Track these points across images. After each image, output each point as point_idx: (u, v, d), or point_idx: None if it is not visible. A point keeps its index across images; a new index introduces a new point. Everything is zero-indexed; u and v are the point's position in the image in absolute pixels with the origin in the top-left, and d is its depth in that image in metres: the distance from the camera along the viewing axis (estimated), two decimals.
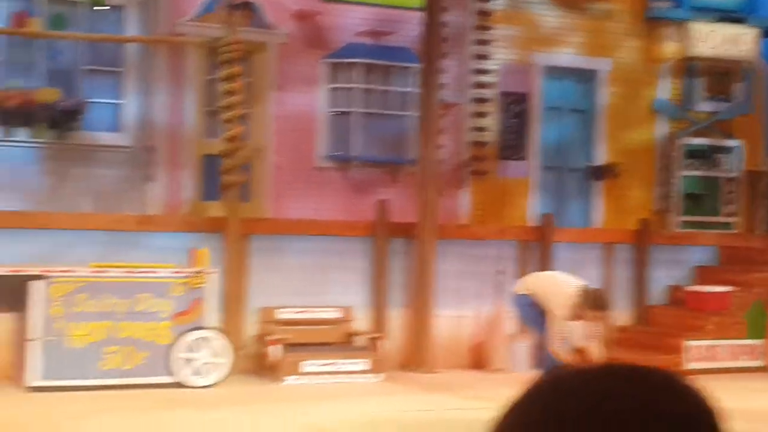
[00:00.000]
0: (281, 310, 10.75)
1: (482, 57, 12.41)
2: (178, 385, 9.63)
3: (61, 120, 10.79)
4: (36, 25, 10.65)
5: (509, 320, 10.80)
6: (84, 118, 10.92)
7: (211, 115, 11.32)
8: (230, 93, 10.50)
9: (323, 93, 11.83)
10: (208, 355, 9.80)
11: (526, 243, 11.96)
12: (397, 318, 11.32)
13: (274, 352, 10.19)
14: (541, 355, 8.97)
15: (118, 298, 9.57)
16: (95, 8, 10.92)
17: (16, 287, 9.40)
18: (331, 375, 10.27)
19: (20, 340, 9.51)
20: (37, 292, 9.28)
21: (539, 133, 12.84)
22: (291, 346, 10.25)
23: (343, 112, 11.84)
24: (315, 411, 8.69)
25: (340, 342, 10.88)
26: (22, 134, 10.74)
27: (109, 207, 10.90)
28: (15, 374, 9.56)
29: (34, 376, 9.21)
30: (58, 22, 10.86)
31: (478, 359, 11.60)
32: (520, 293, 8.95)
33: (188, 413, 8.50)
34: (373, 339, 10.82)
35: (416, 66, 11.72)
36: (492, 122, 12.49)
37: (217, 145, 10.85)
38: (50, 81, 10.86)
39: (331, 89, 11.84)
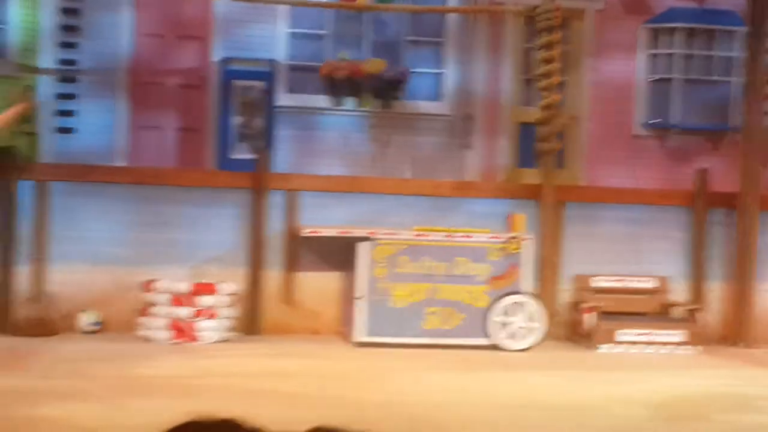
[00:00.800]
0: (596, 278, 10.74)
1: None
2: (494, 347, 9.86)
3: (385, 89, 11.28)
4: None
5: None
6: (406, 87, 11.36)
7: (527, 83, 11.43)
8: (547, 61, 10.55)
9: (642, 59, 11.60)
10: (522, 319, 9.96)
11: None
12: (716, 290, 11.00)
13: (589, 319, 10.21)
14: None
15: (438, 261, 9.91)
16: None
17: (345, 248, 10.00)
18: (646, 345, 10.15)
19: (348, 298, 10.11)
20: (363, 253, 9.80)
21: None
22: (605, 315, 10.23)
23: (662, 79, 11.56)
24: (632, 380, 8.64)
25: (655, 312, 10.72)
26: (349, 103, 11.33)
27: (428, 173, 11.29)
28: (344, 330, 10.18)
29: (360, 333, 9.76)
30: None
31: None
32: None
33: (504, 375, 8.71)
34: (691, 311, 10.57)
35: (742, 29, 11.24)
36: None
37: (533, 113, 10.97)
38: (376, 52, 11.38)
39: (650, 55, 11.59)
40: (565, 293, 10.77)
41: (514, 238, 10.01)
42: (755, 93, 10.81)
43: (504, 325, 9.93)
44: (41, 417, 6.52)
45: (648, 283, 10.85)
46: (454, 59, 11.54)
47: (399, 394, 7.71)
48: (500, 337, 9.91)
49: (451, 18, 11.55)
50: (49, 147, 10.62)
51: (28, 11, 11.03)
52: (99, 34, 11.07)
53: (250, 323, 10.22)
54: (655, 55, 11.58)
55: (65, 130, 10.76)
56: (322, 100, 11.30)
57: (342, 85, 11.26)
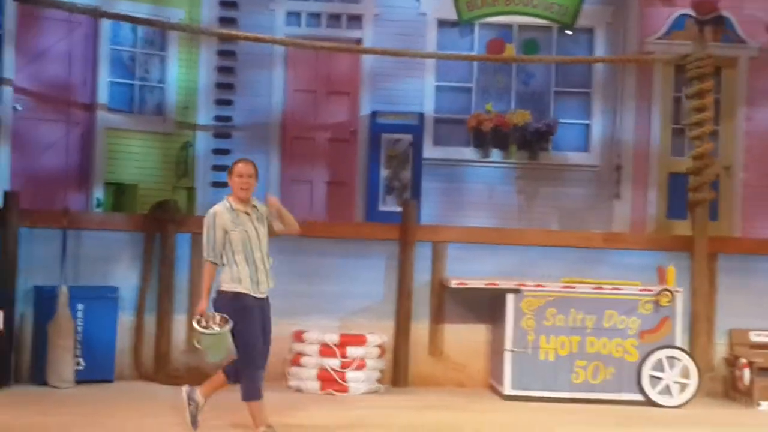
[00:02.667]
0: (754, 332, 10.39)
1: None
2: (645, 402, 9.64)
3: (531, 141, 11.29)
4: (510, 51, 11.26)
5: None
6: (553, 138, 11.34)
7: (678, 132, 11.25)
8: (699, 110, 10.35)
9: None
10: (675, 374, 9.71)
11: None
12: None
13: (747, 375, 9.87)
14: None
15: (586, 313, 9.78)
16: (565, 32, 11.31)
17: (492, 300, 9.98)
18: None
19: (495, 350, 10.07)
20: (510, 305, 9.76)
21: None
22: (765, 371, 9.87)
23: None
24: None
25: None
26: (495, 155, 11.38)
27: (576, 224, 11.18)
28: (492, 382, 10.13)
29: (507, 385, 9.69)
30: (530, 47, 11.39)
31: None
32: None
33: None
34: None
35: None
36: None
37: (683, 163, 10.77)
38: (522, 104, 11.42)
39: None
40: (719, 348, 10.45)
41: (665, 290, 9.80)
42: None
43: (655, 379, 9.70)
44: None
45: None
46: (601, 109, 11.48)
47: None
48: (651, 392, 9.68)
49: (599, 68, 11.50)
50: (204, 200, 11.00)
51: (186, 70, 11.52)
52: (252, 91, 11.46)
53: (398, 374, 10.27)
54: None
55: (220, 185, 11.12)
56: (468, 152, 11.39)
57: (488, 136, 11.32)
